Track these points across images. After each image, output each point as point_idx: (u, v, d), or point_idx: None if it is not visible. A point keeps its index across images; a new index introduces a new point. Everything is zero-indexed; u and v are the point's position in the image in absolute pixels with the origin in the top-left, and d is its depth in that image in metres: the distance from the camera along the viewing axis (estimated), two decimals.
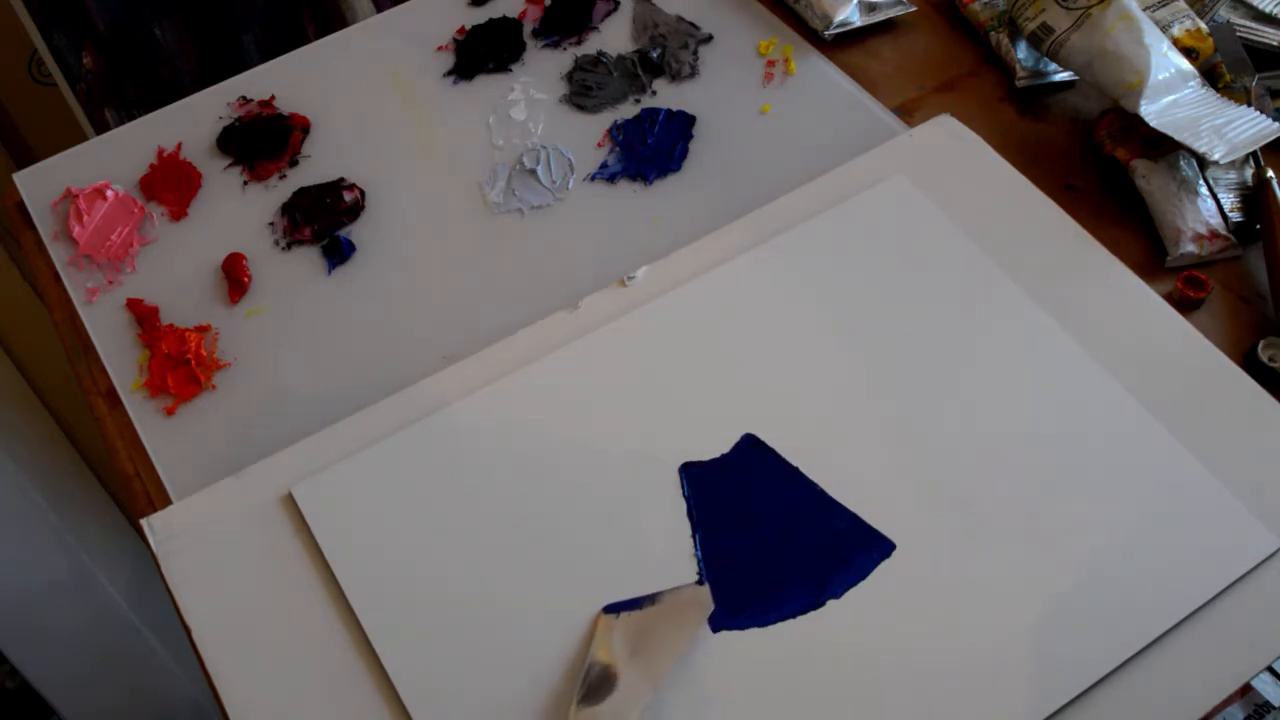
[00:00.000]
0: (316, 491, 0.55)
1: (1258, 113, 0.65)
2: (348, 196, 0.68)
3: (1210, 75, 0.69)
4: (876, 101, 0.71)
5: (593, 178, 0.69)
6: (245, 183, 0.70)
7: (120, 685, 1.09)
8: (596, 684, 0.48)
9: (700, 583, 0.51)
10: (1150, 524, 0.53)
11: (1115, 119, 0.67)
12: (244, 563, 0.53)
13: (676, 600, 0.51)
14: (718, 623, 0.50)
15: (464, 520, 0.54)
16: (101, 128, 0.89)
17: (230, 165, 0.71)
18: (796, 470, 0.55)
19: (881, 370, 0.58)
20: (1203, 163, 0.65)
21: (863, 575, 0.51)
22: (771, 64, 0.74)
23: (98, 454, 1.07)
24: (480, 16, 0.77)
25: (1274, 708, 0.83)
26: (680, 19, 0.76)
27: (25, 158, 1.00)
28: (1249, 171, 0.66)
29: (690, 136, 0.70)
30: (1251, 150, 0.63)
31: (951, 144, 0.67)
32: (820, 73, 0.73)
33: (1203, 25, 0.70)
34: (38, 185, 0.70)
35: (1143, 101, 0.64)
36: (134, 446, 0.59)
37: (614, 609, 0.51)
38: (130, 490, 0.58)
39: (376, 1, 0.91)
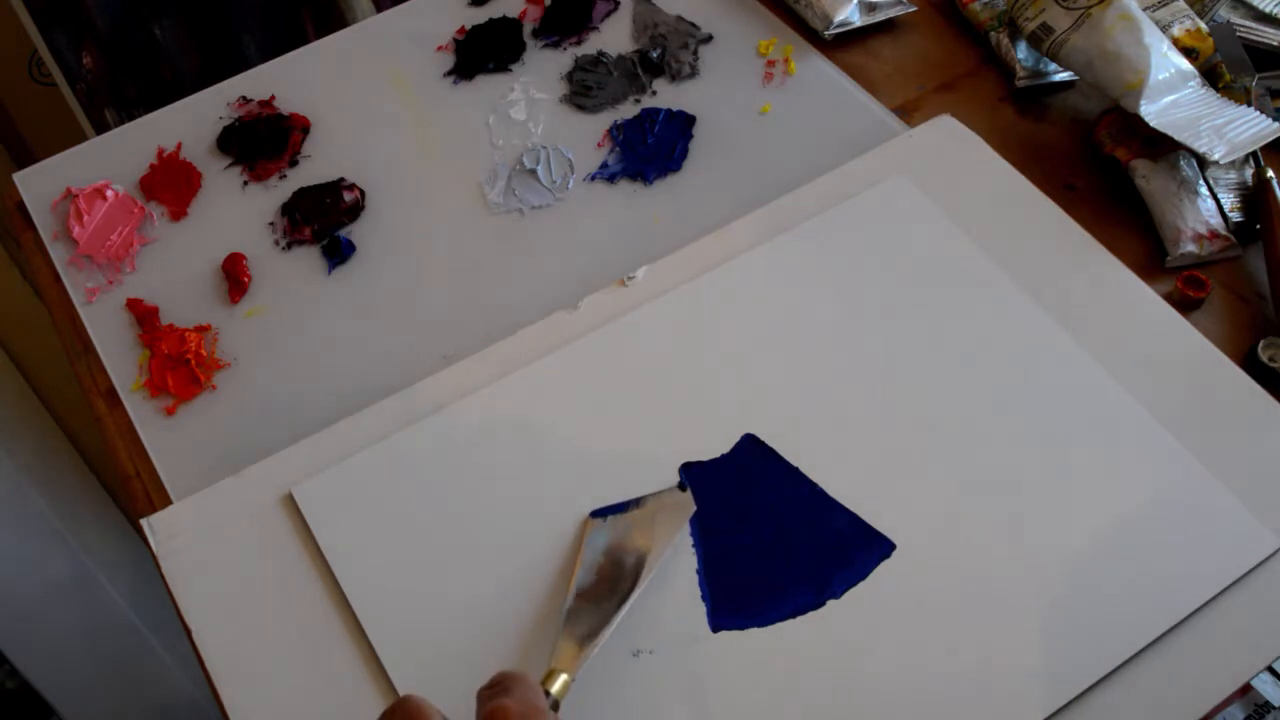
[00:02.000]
0: (316, 491, 0.55)
1: (1258, 113, 0.65)
2: (348, 196, 0.68)
3: (1210, 75, 0.69)
4: (876, 101, 0.71)
5: (593, 177, 0.69)
6: (245, 183, 0.70)
7: (120, 685, 1.10)
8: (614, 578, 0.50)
9: (700, 583, 0.52)
10: (1150, 524, 0.53)
11: (1115, 119, 0.67)
12: (244, 563, 0.53)
13: (660, 504, 0.53)
14: (718, 623, 0.50)
15: (464, 520, 0.54)
16: (101, 128, 0.89)
17: (230, 165, 0.71)
18: (796, 470, 0.55)
19: (882, 371, 0.58)
20: (1203, 163, 0.65)
21: (863, 575, 0.51)
22: (771, 64, 0.74)
23: (98, 454, 1.07)
24: (480, 16, 0.77)
25: (1274, 708, 0.83)
26: (680, 19, 0.76)
27: (25, 158, 1.00)
28: (1249, 171, 0.66)
29: (690, 136, 0.70)
30: (1251, 150, 0.63)
31: (951, 144, 0.67)
32: (820, 73, 0.73)
33: (1203, 25, 0.70)
34: (38, 185, 0.70)
35: (1143, 101, 0.64)
36: (134, 446, 0.59)
37: (600, 514, 0.52)
38: (130, 490, 0.58)
39: (376, 1, 0.91)
